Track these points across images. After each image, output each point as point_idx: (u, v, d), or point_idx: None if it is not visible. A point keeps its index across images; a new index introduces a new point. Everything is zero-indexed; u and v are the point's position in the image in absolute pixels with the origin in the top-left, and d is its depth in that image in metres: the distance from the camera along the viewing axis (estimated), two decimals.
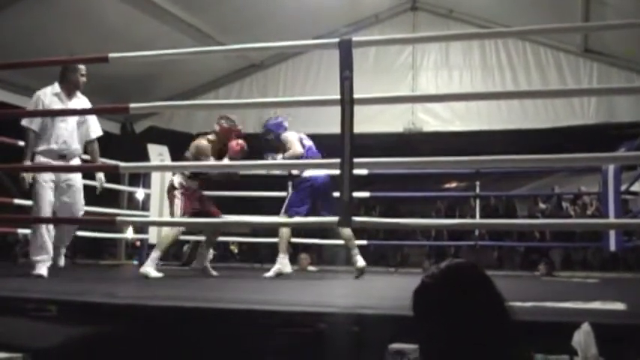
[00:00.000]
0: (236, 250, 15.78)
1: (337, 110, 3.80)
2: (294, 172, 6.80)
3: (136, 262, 10.11)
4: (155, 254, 6.15)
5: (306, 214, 6.27)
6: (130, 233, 10.26)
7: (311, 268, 8.72)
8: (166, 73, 9.24)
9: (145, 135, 10.30)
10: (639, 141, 6.84)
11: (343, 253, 9.78)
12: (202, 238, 11.15)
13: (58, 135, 5.64)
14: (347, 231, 6.30)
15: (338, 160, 3.79)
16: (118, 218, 5.89)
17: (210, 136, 6.58)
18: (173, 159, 9.04)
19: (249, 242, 12.50)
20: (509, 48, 9.33)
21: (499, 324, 1.58)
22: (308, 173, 6.48)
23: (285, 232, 6.51)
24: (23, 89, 8.41)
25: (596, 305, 3.45)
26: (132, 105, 4.59)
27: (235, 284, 5.59)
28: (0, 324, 3.16)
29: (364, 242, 8.89)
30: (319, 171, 6.45)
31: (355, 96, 3.75)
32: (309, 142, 6.68)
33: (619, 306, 3.40)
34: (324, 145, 6.39)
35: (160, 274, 5.98)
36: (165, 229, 6.66)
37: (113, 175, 9.99)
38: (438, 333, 1.58)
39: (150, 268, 5.97)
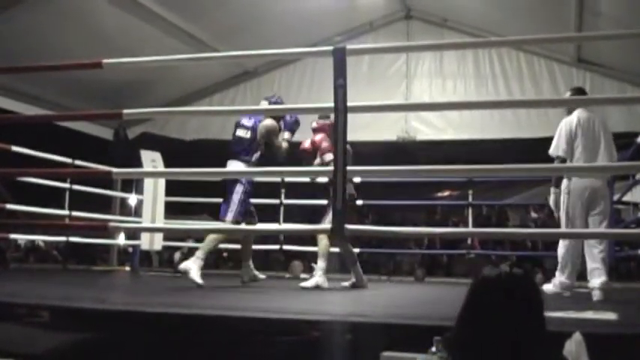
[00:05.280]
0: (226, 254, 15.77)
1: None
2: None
3: (128, 269, 10.09)
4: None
5: None
6: (122, 239, 10.23)
7: (304, 275, 8.71)
8: (160, 80, 9.23)
9: (138, 141, 10.28)
10: (632, 151, 6.86)
11: (336, 260, 9.77)
12: (195, 244, 11.17)
13: None
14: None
15: (331, 168, 3.80)
16: (110, 224, 5.87)
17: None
18: (166, 165, 9.02)
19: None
20: (503, 57, 9.35)
21: (539, 334, 1.75)
22: None
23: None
24: (18, 94, 8.41)
25: (588, 315, 3.46)
26: (125, 111, 4.59)
27: (228, 291, 5.58)
28: None
29: (357, 250, 8.89)
30: None
31: (349, 104, 3.76)
32: None
33: (610, 315, 3.41)
34: None
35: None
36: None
37: (106, 180, 10.00)
38: (485, 330, 1.72)
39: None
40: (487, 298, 1.75)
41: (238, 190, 5.94)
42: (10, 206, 8.19)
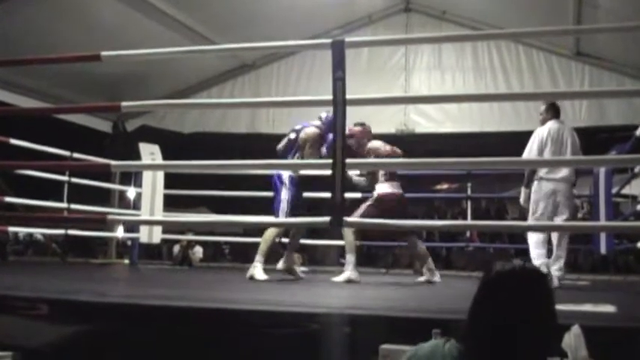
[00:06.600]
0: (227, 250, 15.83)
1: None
2: None
3: (127, 262, 10.09)
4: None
5: None
6: (120, 232, 10.22)
7: (302, 268, 8.71)
8: (159, 73, 9.22)
9: (137, 134, 10.27)
10: (630, 144, 6.86)
11: (334, 253, 9.76)
12: (194, 237, 11.18)
13: None
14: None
15: (330, 161, 3.80)
16: (109, 217, 5.87)
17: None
18: (165, 158, 9.01)
19: (240, 242, 12.51)
20: (502, 50, 9.35)
21: (552, 328, 1.79)
22: None
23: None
24: (16, 87, 8.39)
25: (587, 307, 3.46)
26: (124, 103, 4.57)
27: (227, 284, 5.58)
28: None
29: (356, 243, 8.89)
30: None
31: (347, 97, 3.74)
32: None
33: (609, 308, 3.41)
34: None
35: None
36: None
37: (104, 173, 9.99)
38: (498, 325, 1.72)
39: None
40: (501, 293, 1.76)
41: (284, 198, 6.10)
42: (8, 199, 8.19)
